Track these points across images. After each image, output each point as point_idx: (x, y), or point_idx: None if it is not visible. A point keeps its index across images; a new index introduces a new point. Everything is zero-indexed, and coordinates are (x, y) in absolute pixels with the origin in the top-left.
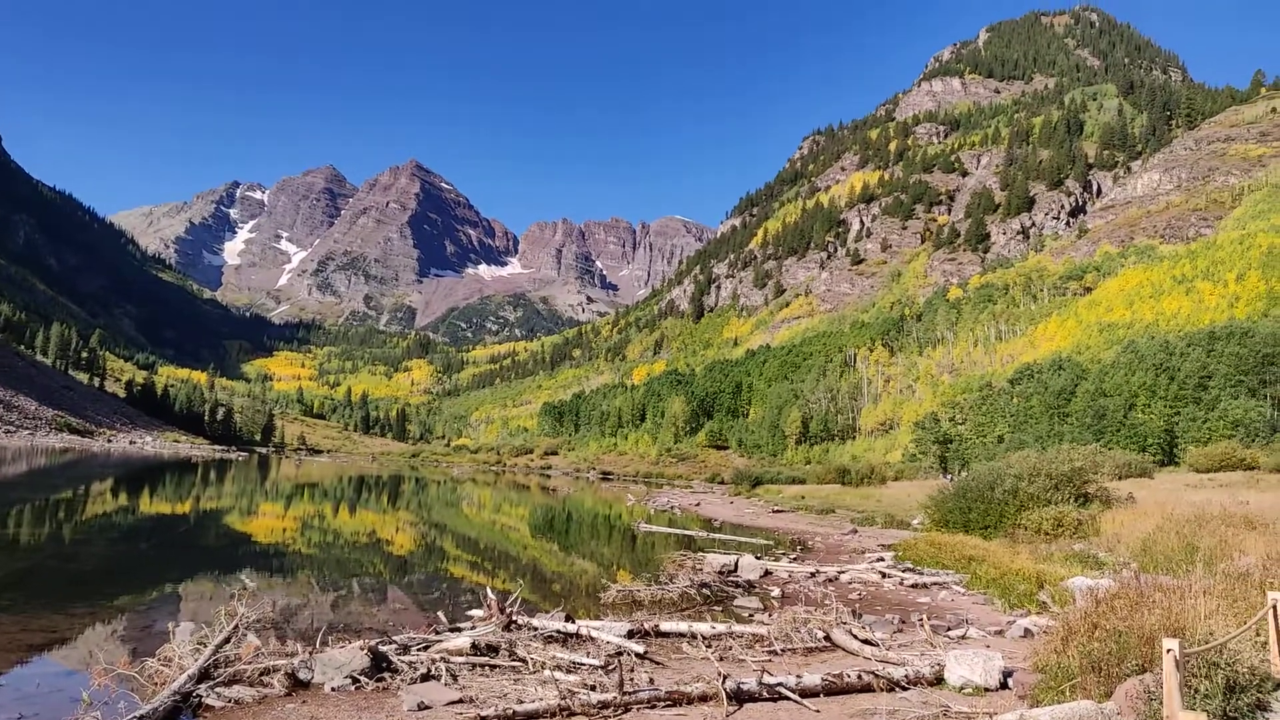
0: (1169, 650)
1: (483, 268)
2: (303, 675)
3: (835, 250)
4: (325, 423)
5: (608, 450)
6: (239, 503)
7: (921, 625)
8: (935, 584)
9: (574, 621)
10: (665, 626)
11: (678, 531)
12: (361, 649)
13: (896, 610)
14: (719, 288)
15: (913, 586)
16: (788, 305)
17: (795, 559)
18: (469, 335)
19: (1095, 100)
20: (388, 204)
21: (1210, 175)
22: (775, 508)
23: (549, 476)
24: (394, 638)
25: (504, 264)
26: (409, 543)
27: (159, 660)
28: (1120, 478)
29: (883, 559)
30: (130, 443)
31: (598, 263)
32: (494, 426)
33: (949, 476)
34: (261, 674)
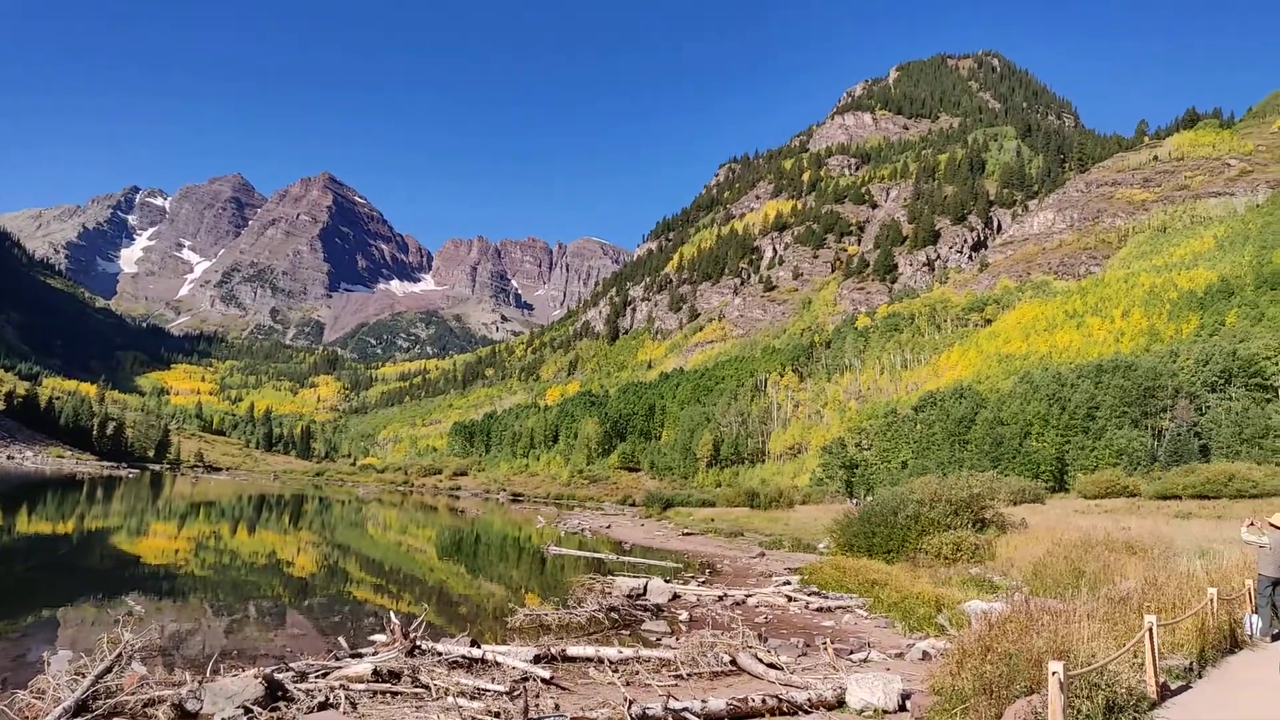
0: (1054, 673)
1: (395, 284)
2: (191, 706)
3: (749, 276)
4: (225, 439)
5: (519, 471)
6: (128, 522)
7: (825, 648)
8: (840, 608)
9: (480, 646)
10: (573, 651)
11: (588, 554)
12: (256, 677)
13: (802, 633)
14: (634, 310)
15: (818, 610)
16: (702, 329)
17: (704, 582)
18: (379, 352)
19: (996, 141)
20: (298, 216)
21: (1099, 217)
22: (685, 530)
23: (458, 498)
24: (291, 665)
25: (417, 280)
26: (310, 564)
27: (30, 693)
28: (1015, 503)
29: (789, 582)
30: (8, 458)
31: (513, 282)
32: (402, 446)
33: (855, 501)
34: (146, 705)
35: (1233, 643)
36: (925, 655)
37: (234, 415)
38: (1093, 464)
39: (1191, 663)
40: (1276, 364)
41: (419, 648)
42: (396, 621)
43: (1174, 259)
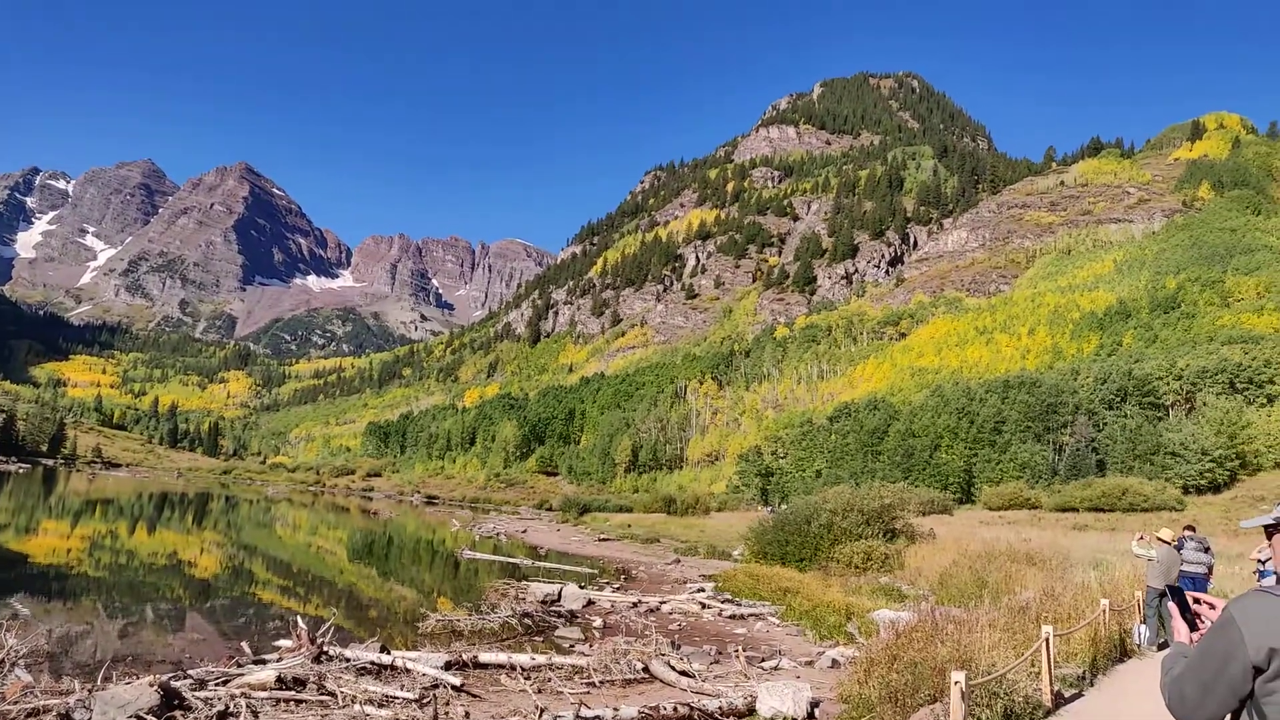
0: (956, 682)
1: (312, 279)
2: (79, 716)
3: (671, 284)
4: (127, 434)
5: (434, 473)
6: (15, 520)
7: (737, 656)
8: (752, 615)
9: (389, 652)
10: (485, 658)
11: (502, 559)
12: (150, 685)
13: (714, 641)
14: (557, 313)
15: (731, 618)
16: (624, 335)
17: (619, 589)
18: (293, 348)
19: (914, 160)
20: (212, 205)
21: (1009, 237)
22: (602, 536)
23: (370, 499)
24: (189, 671)
25: (335, 276)
26: (214, 565)
27: None
28: (924, 514)
29: (703, 590)
30: None
31: (434, 281)
32: (315, 445)
33: (770, 508)
34: (29, 716)
35: (1122, 652)
36: (835, 663)
37: (137, 410)
38: (998, 476)
39: (1084, 671)
40: (1167, 384)
41: (326, 653)
42: (303, 626)
43: (1077, 281)
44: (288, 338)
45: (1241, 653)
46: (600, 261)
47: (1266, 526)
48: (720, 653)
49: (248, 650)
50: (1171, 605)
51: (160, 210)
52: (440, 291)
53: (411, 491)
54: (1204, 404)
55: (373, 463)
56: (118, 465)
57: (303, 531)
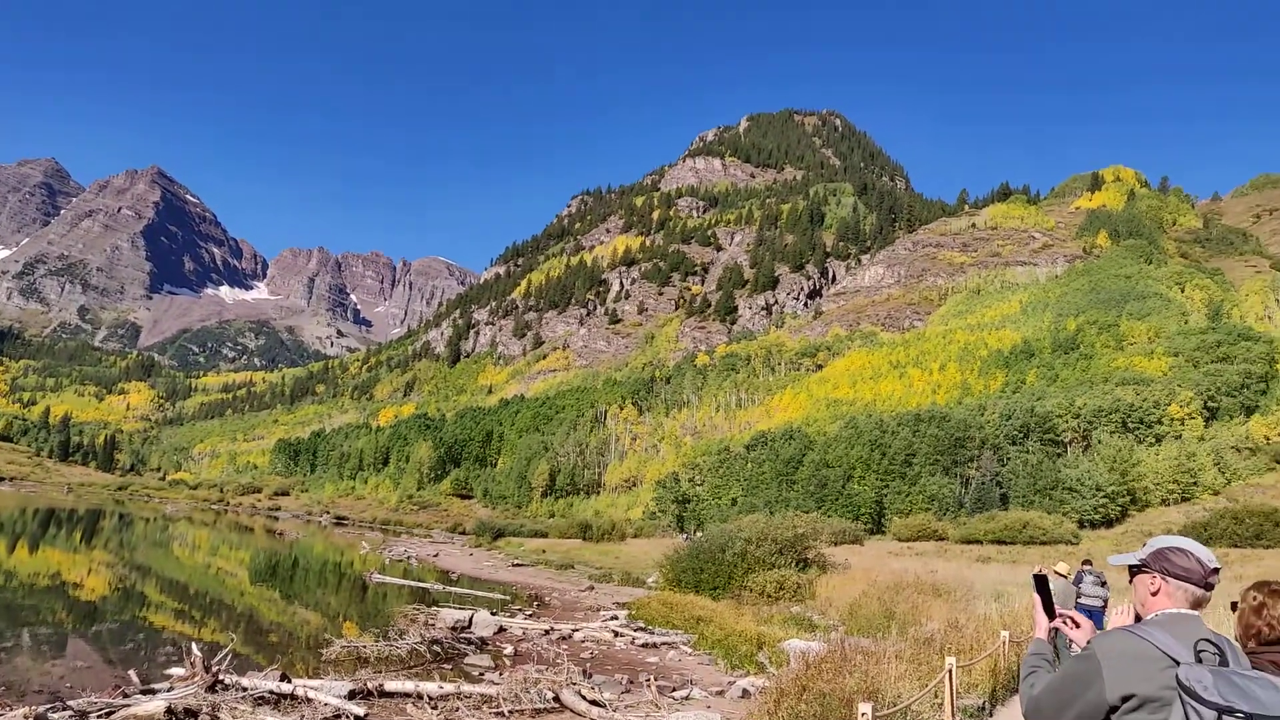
0: (863, 713)
1: (225, 290)
2: None
3: (595, 308)
4: (13, 446)
5: (345, 494)
6: None
7: (649, 685)
8: (665, 644)
9: (290, 680)
10: (391, 686)
11: (412, 584)
12: (26, 717)
13: (626, 670)
14: (478, 334)
15: (643, 646)
16: (545, 357)
17: (531, 615)
18: (201, 360)
19: (835, 196)
20: (120, 209)
21: (923, 275)
22: (516, 561)
23: (277, 519)
24: (70, 702)
25: (249, 288)
26: (101, 587)
27: None
28: (836, 544)
29: (616, 617)
30: None
31: (353, 296)
32: (220, 461)
33: (685, 536)
34: None
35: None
36: (745, 693)
37: (24, 420)
38: (907, 508)
39: (984, 702)
40: (1066, 422)
41: (222, 682)
42: (198, 653)
43: (985, 320)
44: (196, 349)
45: (1098, 689)
46: (524, 283)
47: (1130, 567)
48: (632, 682)
49: (135, 679)
50: (1036, 596)
51: (62, 212)
52: (359, 307)
53: (320, 512)
54: (1099, 442)
55: (281, 481)
56: (0, 479)
57: (202, 552)
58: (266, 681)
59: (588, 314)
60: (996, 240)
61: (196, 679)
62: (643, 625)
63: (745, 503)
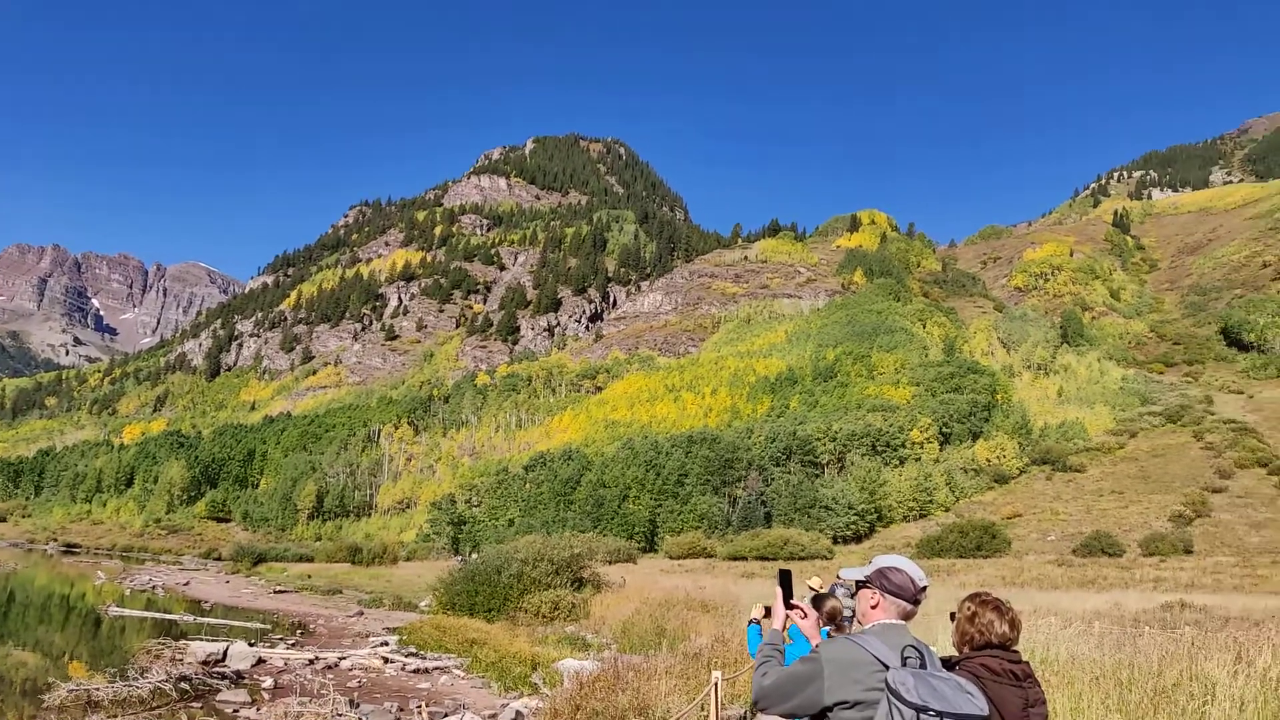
0: None
1: None
2: None
3: (371, 323)
4: None
5: (79, 518)
6: None
7: (419, 712)
8: (437, 668)
9: None
10: None
11: (158, 615)
12: None
13: (397, 697)
14: (242, 346)
15: (415, 672)
16: (316, 373)
17: (294, 644)
18: None
19: (618, 223)
20: None
21: (699, 303)
22: (279, 587)
23: None
24: None
25: None
26: None
27: None
28: (611, 562)
29: (387, 643)
30: None
31: (95, 301)
32: None
33: (461, 558)
34: None
35: None
36: (519, 715)
37: None
38: (679, 526)
39: (745, 713)
40: (824, 445)
41: None
42: None
43: (754, 347)
44: None
45: (817, 688)
46: (295, 294)
47: (857, 582)
48: (402, 709)
49: None
50: (778, 589)
51: None
52: (102, 313)
53: (47, 539)
54: (852, 463)
55: None
56: None
57: None
58: None
59: (363, 329)
60: (766, 273)
61: None
62: (414, 650)
63: (523, 523)
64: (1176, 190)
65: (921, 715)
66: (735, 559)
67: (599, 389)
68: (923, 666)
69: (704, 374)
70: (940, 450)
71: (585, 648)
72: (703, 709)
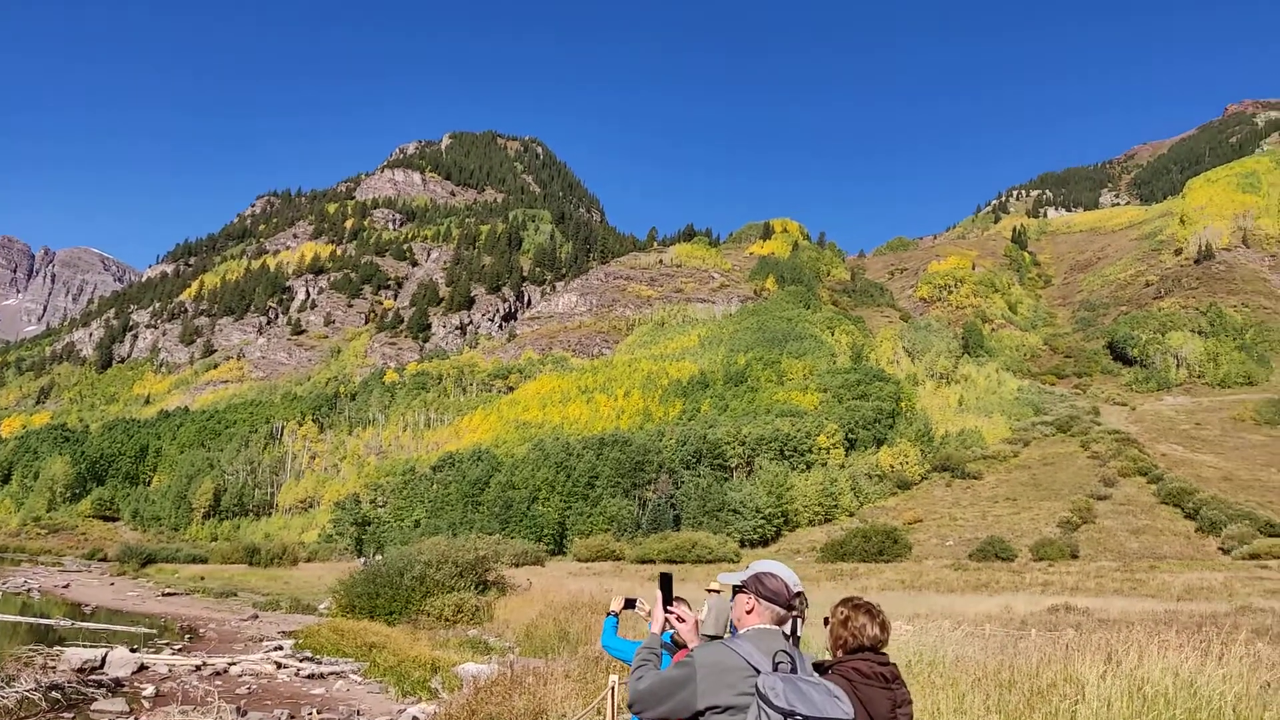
0: None
1: None
2: None
3: (277, 317)
4: None
5: None
6: None
7: (311, 719)
8: (333, 673)
9: None
10: None
11: (31, 620)
12: None
13: (288, 704)
14: (137, 338)
15: (309, 677)
16: (217, 367)
17: (181, 650)
18: None
19: (534, 222)
20: None
21: (614, 305)
22: (168, 590)
23: None
24: None
25: None
26: None
27: None
28: (518, 565)
29: (281, 647)
30: None
31: None
32: None
33: (365, 559)
34: None
35: None
36: None
37: None
38: (589, 529)
39: None
40: (733, 449)
41: None
42: None
43: (668, 351)
44: None
45: (690, 692)
46: (196, 284)
47: (734, 586)
48: (293, 716)
49: None
50: (659, 593)
51: None
52: None
53: None
54: (760, 467)
55: None
56: None
57: None
58: None
59: (268, 323)
60: (681, 277)
61: None
62: (310, 655)
63: (429, 525)
64: (1070, 210)
65: (788, 719)
66: (644, 562)
67: (511, 389)
68: (794, 671)
69: (618, 376)
70: (846, 456)
71: (487, 651)
72: (599, 712)
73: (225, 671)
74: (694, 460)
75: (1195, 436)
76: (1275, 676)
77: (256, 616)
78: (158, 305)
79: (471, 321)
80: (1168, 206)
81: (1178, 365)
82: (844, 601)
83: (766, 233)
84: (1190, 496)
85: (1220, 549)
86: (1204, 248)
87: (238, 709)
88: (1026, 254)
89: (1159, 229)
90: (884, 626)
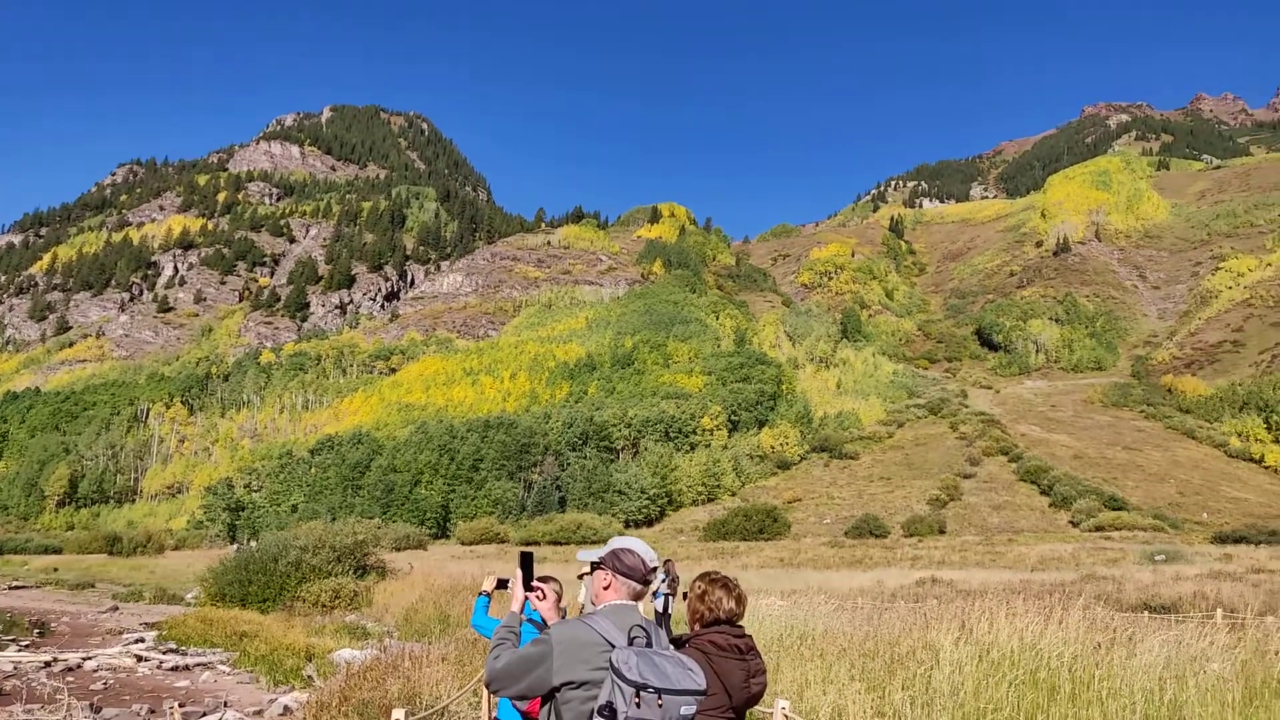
0: (397, 718)
1: None
2: None
3: (141, 293)
4: None
5: None
6: None
7: (173, 713)
8: (200, 665)
9: None
10: None
11: None
12: None
13: (150, 698)
14: None
15: (173, 669)
16: (73, 345)
17: (29, 646)
18: None
19: (418, 200)
20: None
21: (500, 286)
22: (15, 583)
23: None
24: None
25: None
26: None
27: None
28: (400, 549)
29: (143, 639)
30: None
31: None
32: None
33: (238, 546)
34: None
35: None
36: (286, 710)
37: None
38: (473, 512)
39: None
40: (620, 430)
41: None
42: None
43: (555, 333)
44: None
45: (547, 670)
46: (49, 257)
47: (591, 563)
48: (154, 711)
49: None
50: (518, 572)
51: None
52: None
53: None
54: (645, 449)
55: None
56: None
57: None
58: None
59: (131, 299)
60: (569, 259)
61: None
62: (175, 646)
63: (307, 509)
64: (943, 201)
65: (641, 692)
66: (528, 544)
67: (393, 370)
68: (649, 645)
69: (504, 358)
70: (729, 437)
71: (365, 636)
72: (475, 694)
73: (79, 667)
74: (580, 442)
75: (1051, 418)
76: (1107, 637)
77: (117, 608)
78: (3, 279)
79: (352, 301)
80: (1031, 200)
81: (1037, 351)
82: (701, 576)
83: (654, 216)
84: (1045, 474)
85: (1070, 522)
86: (1061, 241)
87: (91, 705)
88: (903, 243)
89: (1022, 221)
90: (740, 600)
